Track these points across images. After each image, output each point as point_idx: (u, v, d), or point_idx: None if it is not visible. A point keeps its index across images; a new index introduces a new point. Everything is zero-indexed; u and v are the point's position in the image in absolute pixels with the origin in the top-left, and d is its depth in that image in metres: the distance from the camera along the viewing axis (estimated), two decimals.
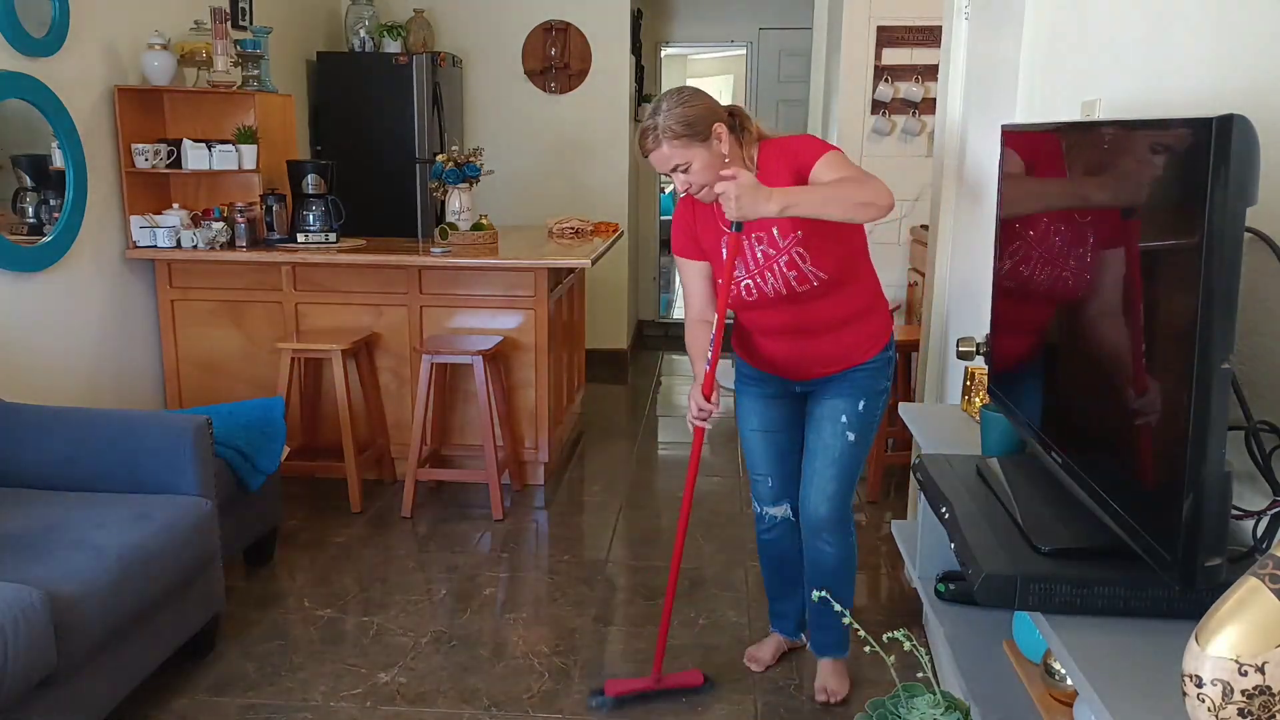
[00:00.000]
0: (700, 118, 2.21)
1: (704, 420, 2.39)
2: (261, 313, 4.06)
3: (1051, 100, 2.19)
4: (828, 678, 2.63)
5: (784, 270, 2.28)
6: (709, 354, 2.37)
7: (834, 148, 2.25)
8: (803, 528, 2.54)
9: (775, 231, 2.27)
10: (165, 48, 3.86)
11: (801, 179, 2.20)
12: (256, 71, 4.22)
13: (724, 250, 2.30)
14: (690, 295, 2.48)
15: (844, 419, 2.42)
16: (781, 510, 2.62)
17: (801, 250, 2.26)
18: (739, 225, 2.17)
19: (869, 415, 2.44)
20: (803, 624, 2.79)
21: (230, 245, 4.02)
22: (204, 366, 4.10)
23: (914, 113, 5.39)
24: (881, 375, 2.46)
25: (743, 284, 2.33)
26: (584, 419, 5.08)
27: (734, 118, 2.31)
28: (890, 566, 3.43)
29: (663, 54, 7.56)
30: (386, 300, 4.01)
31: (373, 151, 5.35)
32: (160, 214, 3.98)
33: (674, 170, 2.24)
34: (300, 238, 4.13)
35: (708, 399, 2.36)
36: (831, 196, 2.07)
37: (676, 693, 2.62)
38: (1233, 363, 1.04)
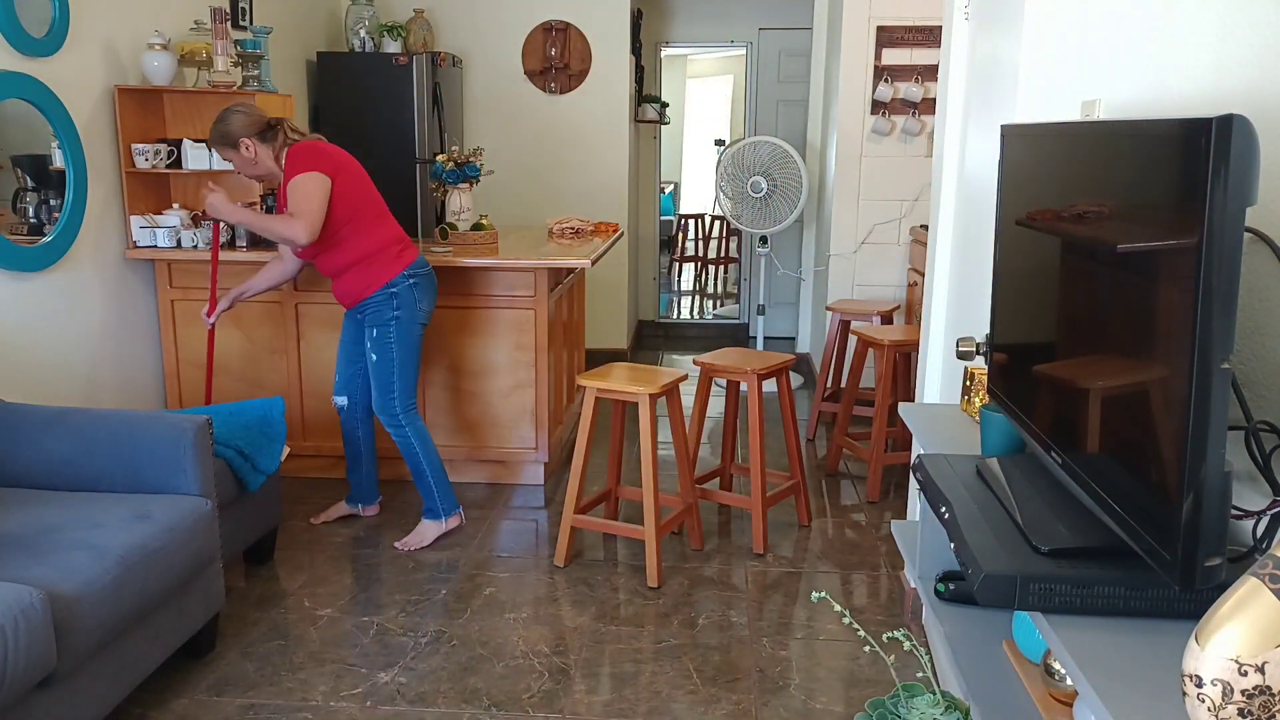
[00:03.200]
0: (231, 134, 3.24)
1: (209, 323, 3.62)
2: (261, 313, 4.06)
3: (1051, 100, 2.19)
4: (411, 533, 3.56)
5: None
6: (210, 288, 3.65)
7: (307, 168, 3.19)
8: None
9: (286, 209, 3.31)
10: (165, 48, 3.86)
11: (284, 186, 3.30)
12: (256, 71, 4.22)
13: (214, 249, 3.66)
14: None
15: (368, 344, 3.43)
16: (342, 400, 3.62)
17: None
18: (214, 221, 3.52)
19: (382, 339, 3.40)
20: (366, 497, 3.78)
21: (230, 245, 4.02)
22: (204, 366, 4.09)
23: (914, 113, 5.40)
24: (386, 308, 3.38)
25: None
26: None
27: (270, 129, 3.29)
28: (890, 566, 3.43)
29: (663, 54, 7.57)
30: None
31: (373, 151, 5.33)
32: (160, 214, 3.98)
33: (226, 161, 3.37)
34: None
35: (209, 315, 3.62)
36: (264, 226, 3.27)
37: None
38: (1233, 363, 1.04)
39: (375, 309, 3.37)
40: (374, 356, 3.39)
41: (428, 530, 3.55)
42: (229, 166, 4.01)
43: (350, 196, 3.29)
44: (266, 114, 3.31)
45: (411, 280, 3.40)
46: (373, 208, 3.38)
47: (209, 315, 3.57)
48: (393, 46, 5.54)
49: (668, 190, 10.09)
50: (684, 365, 6.47)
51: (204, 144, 3.95)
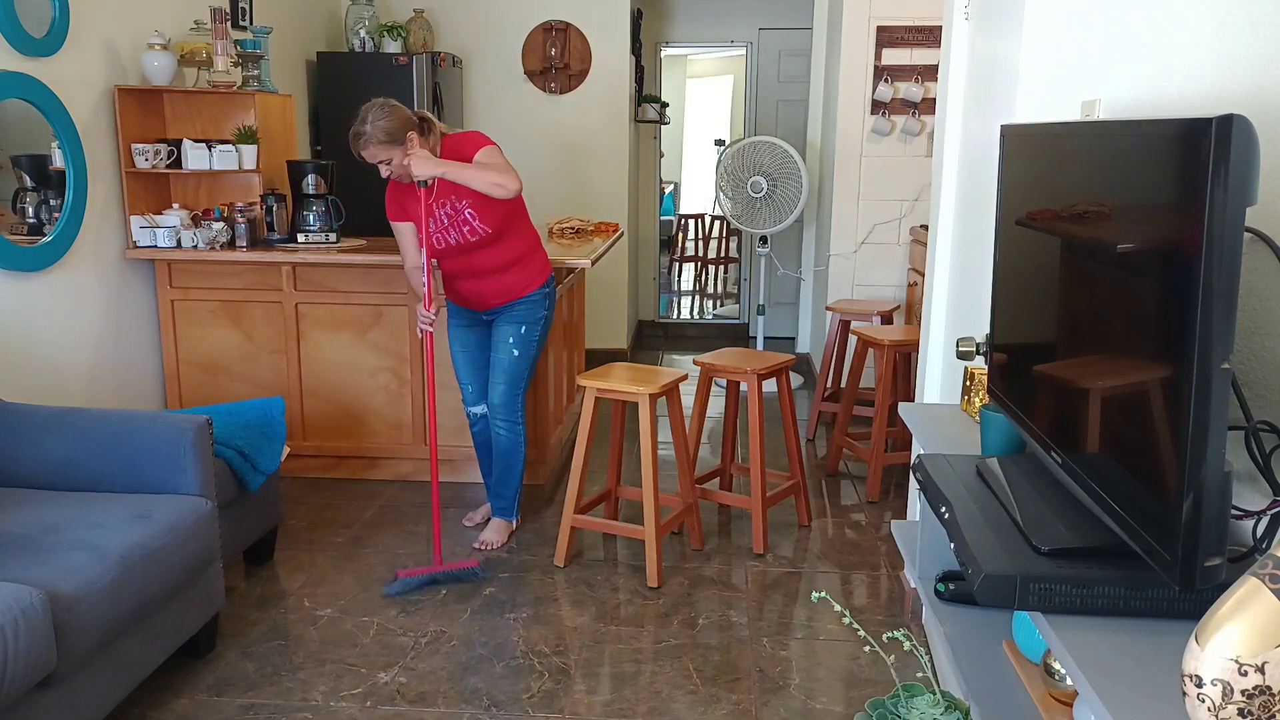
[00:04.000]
0: (398, 129, 3.11)
1: (429, 325, 3.29)
2: (261, 313, 4.06)
3: (1051, 100, 2.19)
4: (491, 533, 3.55)
5: (461, 228, 3.25)
6: (425, 282, 3.27)
7: (492, 143, 3.22)
8: (489, 415, 3.51)
9: (452, 199, 3.22)
10: (165, 48, 3.86)
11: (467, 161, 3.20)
12: (256, 71, 4.22)
13: (424, 214, 3.21)
14: (405, 250, 3.37)
15: (511, 340, 3.40)
16: (481, 409, 3.56)
17: (472, 212, 3.23)
18: (424, 182, 3.11)
19: (529, 335, 3.42)
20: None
21: (230, 245, 4.02)
22: (204, 366, 4.10)
23: (914, 113, 5.40)
24: (540, 306, 3.43)
25: (435, 236, 3.26)
26: None
27: (424, 122, 3.22)
28: (890, 566, 3.43)
29: (663, 54, 7.56)
30: (387, 300, 4.01)
31: None
32: (160, 214, 3.98)
33: (379, 162, 3.16)
34: (300, 238, 4.13)
35: (428, 309, 3.28)
36: (473, 174, 3.11)
37: (458, 574, 3.25)
38: (1233, 363, 1.04)
39: (529, 306, 3.40)
40: (515, 352, 3.40)
41: (504, 529, 3.58)
42: (229, 166, 4.03)
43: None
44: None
45: (552, 287, 3.51)
46: (523, 203, 3.40)
47: (427, 308, 3.28)
48: (393, 46, 5.54)
49: (668, 190, 10.08)
50: (684, 365, 6.47)
51: (204, 144, 3.96)
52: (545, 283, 3.43)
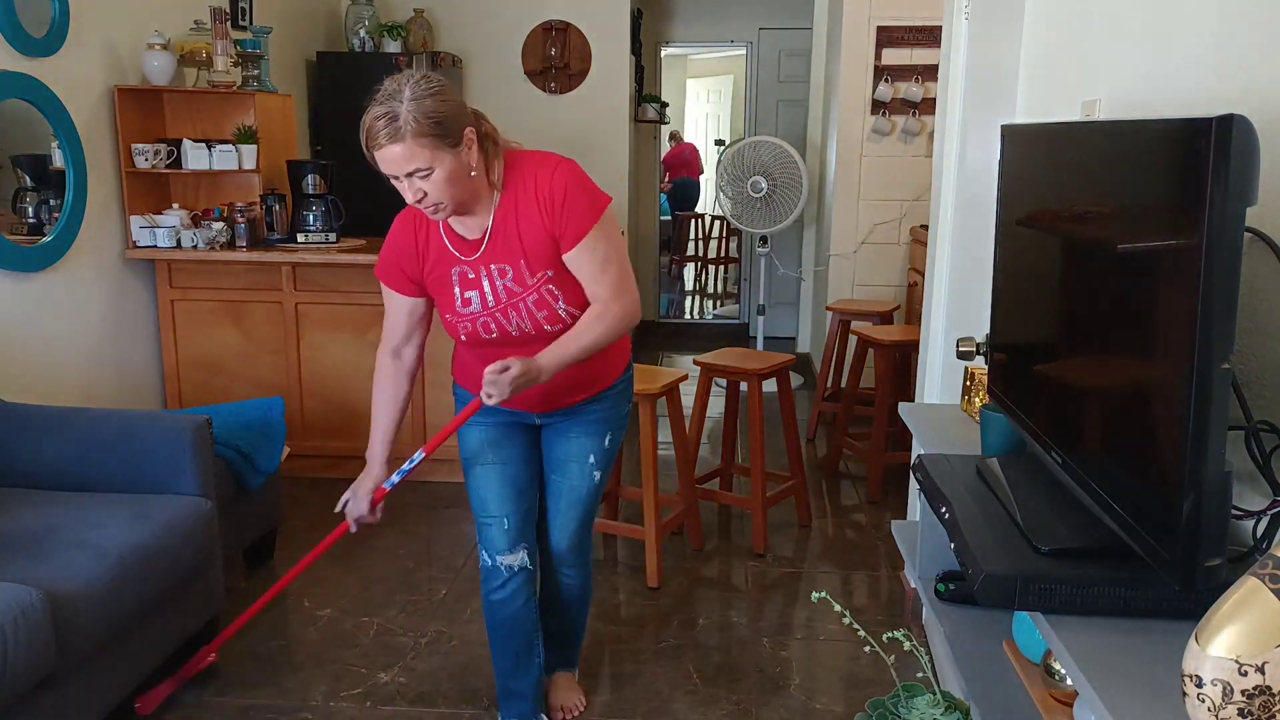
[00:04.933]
0: (454, 118, 1.86)
1: (363, 519, 2.25)
2: (261, 313, 4.06)
3: (1051, 100, 2.19)
4: (563, 693, 2.54)
5: (532, 309, 2.04)
6: (396, 413, 2.24)
7: (600, 212, 2.00)
8: (545, 562, 2.40)
9: (523, 264, 2.01)
10: (165, 48, 3.86)
11: (552, 240, 1.99)
12: (256, 71, 4.22)
13: (455, 282, 2.05)
14: (391, 328, 2.18)
15: (591, 459, 2.25)
16: (518, 558, 2.26)
17: (553, 289, 2.03)
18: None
19: (614, 447, 2.30)
20: (542, 705, 2.47)
21: (230, 245, 4.02)
22: (204, 366, 4.10)
23: (914, 113, 5.40)
24: (624, 398, 2.31)
25: (479, 321, 2.06)
26: None
27: (479, 121, 1.98)
28: (890, 566, 3.43)
29: (663, 54, 7.57)
30: None
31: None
32: (160, 214, 3.98)
33: (410, 175, 1.85)
34: (300, 238, 4.13)
35: (370, 504, 2.24)
36: (588, 345, 2.00)
37: (198, 677, 2.60)
38: (1233, 363, 1.04)
39: (614, 401, 2.27)
40: (597, 475, 2.28)
41: (574, 683, 2.61)
42: (229, 166, 4.02)
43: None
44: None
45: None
46: None
47: (371, 504, 2.32)
48: (393, 46, 5.54)
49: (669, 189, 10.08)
50: (684, 365, 6.47)
51: (204, 144, 3.96)
52: (628, 366, 2.33)
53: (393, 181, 1.90)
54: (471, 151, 1.91)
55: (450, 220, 2.02)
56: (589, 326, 2.00)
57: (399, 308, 2.17)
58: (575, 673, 2.62)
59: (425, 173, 1.85)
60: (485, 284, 2.04)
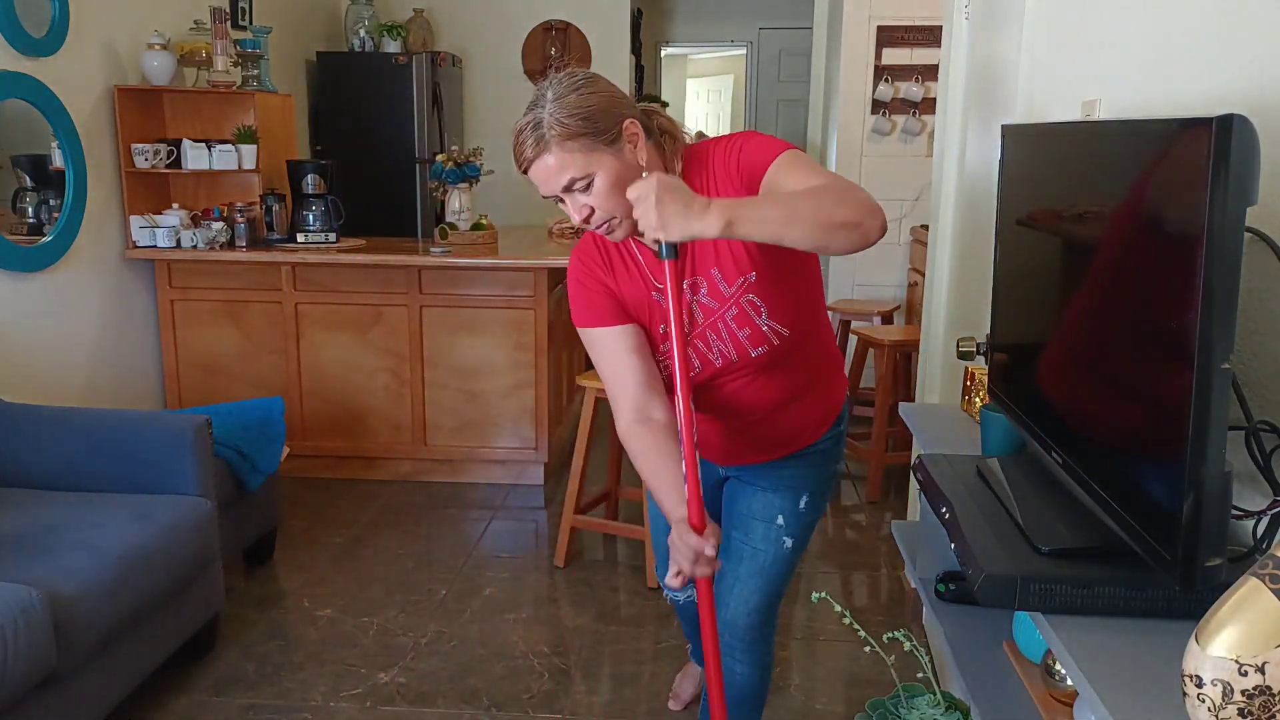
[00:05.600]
0: (606, 110, 1.51)
1: (710, 566, 1.57)
2: (261, 313, 4.06)
3: (1051, 100, 2.19)
4: None
5: (733, 326, 1.66)
6: (683, 467, 1.57)
7: (788, 145, 1.59)
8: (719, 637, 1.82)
9: (717, 274, 1.64)
10: (165, 48, 3.86)
11: (751, 188, 1.55)
12: (256, 71, 4.22)
13: (653, 312, 1.68)
14: (620, 384, 1.65)
15: (780, 520, 1.87)
16: (689, 594, 2.10)
17: (755, 299, 1.64)
18: (672, 250, 1.48)
19: (811, 513, 1.90)
20: None
21: (230, 245, 4.02)
22: (204, 366, 4.10)
23: (914, 113, 5.39)
24: (831, 458, 1.91)
25: (675, 355, 1.60)
26: None
27: (649, 116, 1.64)
28: (890, 566, 3.43)
29: (663, 54, 7.57)
30: (386, 300, 4.01)
31: (373, 151, 5.35)
32: (160, 214, 3.98)
33: (569, 190, 1.51)
34: (300, 238, 4.13)
35: (700, 531, 1.55)
36: (799, 212, 1.39)
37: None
38: (1233, 363, 1.04)
39: (820, 457, 1.90)
40: (787, 542, 1.89)
41: None
42: (229, 166, 4.03)
43: None
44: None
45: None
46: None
47: (700, 529, 1.56)
48: (393, 46, 5.54)
49: None
50: None
51: (204, 144, 3.96)
52: (840, 417, 1.92)
53: (560, 207, 1.56)
54: (638, 149, 1.54)
55: (653, 244, 1.56)
56: (792, 201, 1.43)
57: (622, 349, 1.66)
58: None
59: (584, 181, 1.51)
60: (692, 302, 1.67)
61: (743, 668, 1.96)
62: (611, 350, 1.67)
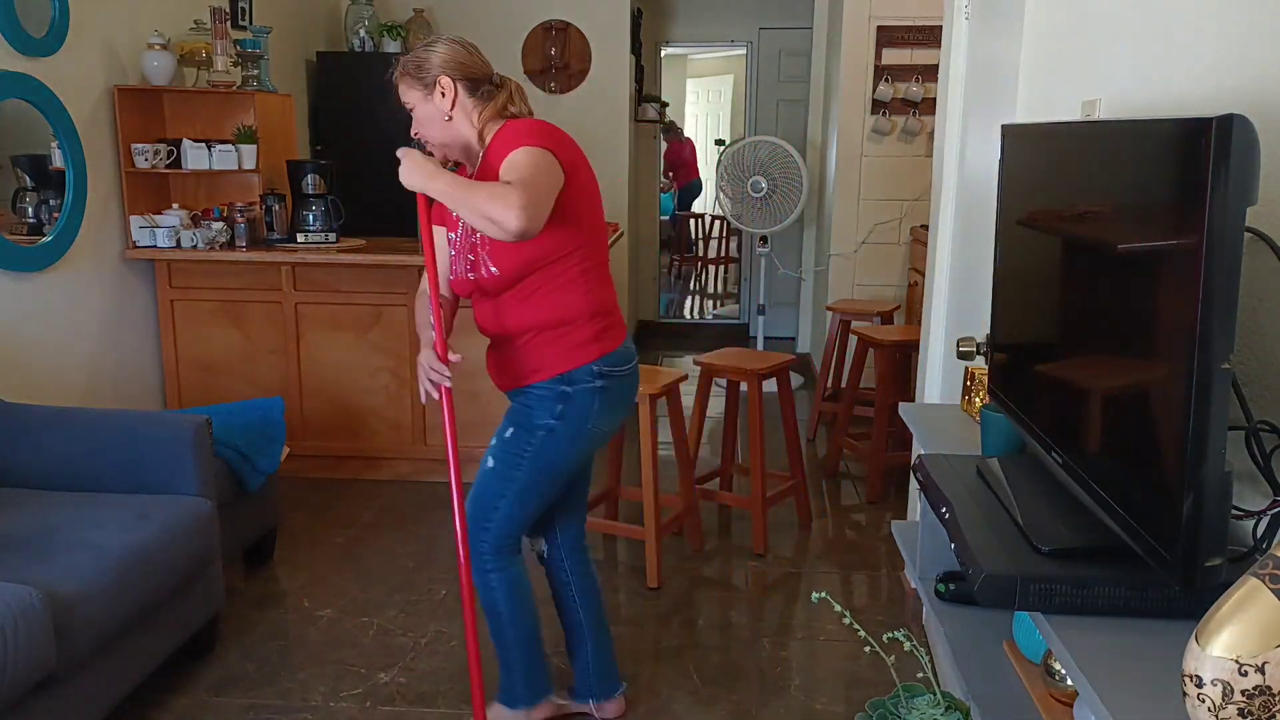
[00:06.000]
0: (431, 65, 2.14)
1: (444, 378, 2.20)
2: (261, 313, 4.06)
3: (1051, 100, 2.19)
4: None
5: (468, 254, 2.21)
6: (434, 314, 2.21)
7: (540, 143, 2.06)
8: None
9: None
10: (165, 48, 3.86)
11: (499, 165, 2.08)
12: (256, 71, 4.22)
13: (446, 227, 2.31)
14: (432, 264, 2.26)
15: (494, 440, 2.27)
16: (540, 546, 2.47)
17: (478, 238, 2.17)
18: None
19: (514, 444, 2.24)
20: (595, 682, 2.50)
21: (230, 245, 4.02)
22: (204, 366, 4.10)
23: (914, 113, 5.40)
24: (544, 406, 2.21)
25: (455, 259, 2.27)
26: None
27: (497, 87, 2.19)
28: (890, 566, 3.43)
29: (663, 54, 7.56)
30: (386, 300, 4.01)
31: (373, 151, 5.33)
32: (160, 214, 3.98)
33: (409, 112, 2.20)
34: (300, 238, 4.13)
35: (441, 355, 2.18)
36: (467, 199, 1.95)
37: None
38: (1233, 363, 1.04)
39: (528, 403, 2.25)
40: (489, 462, 2.28)
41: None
42: (228, 166, 4.03)
43: (580, 216, 2.16)
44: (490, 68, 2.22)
45: (600, 382, 2.21)
46: (599, 247, 2.26)
47: (441, 354, 2.21)
48: (393, 46, 5.54)
49: (668, 190, 10.09)
50: (684, 365, 6.47)
51: (204, 144, 3.96)
52: (565, 374, 2.20)
53: None
54: (445, 99, 2.15)
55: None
56: (470, 190, 1.99)
57: (442, 243, 2.33)
58: (516, 713, 2.44)
59: (409, 109, 2.19)
60: (462, 223, 2.22)
61: (476, 580, 2.31)
62: (439, 245, 2.32)
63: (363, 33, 5.55)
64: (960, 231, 2.91)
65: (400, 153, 2.07)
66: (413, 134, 2.21)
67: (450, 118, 2.17)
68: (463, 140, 2.19)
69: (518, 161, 2.02)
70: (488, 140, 2.17)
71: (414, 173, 2.03)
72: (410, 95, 2.17)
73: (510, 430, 2.26)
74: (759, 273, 6.20)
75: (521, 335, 2.21)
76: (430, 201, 2.12)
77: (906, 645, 1.53)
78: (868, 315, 4.74)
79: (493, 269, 2.15)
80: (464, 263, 2.22)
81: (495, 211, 1.90)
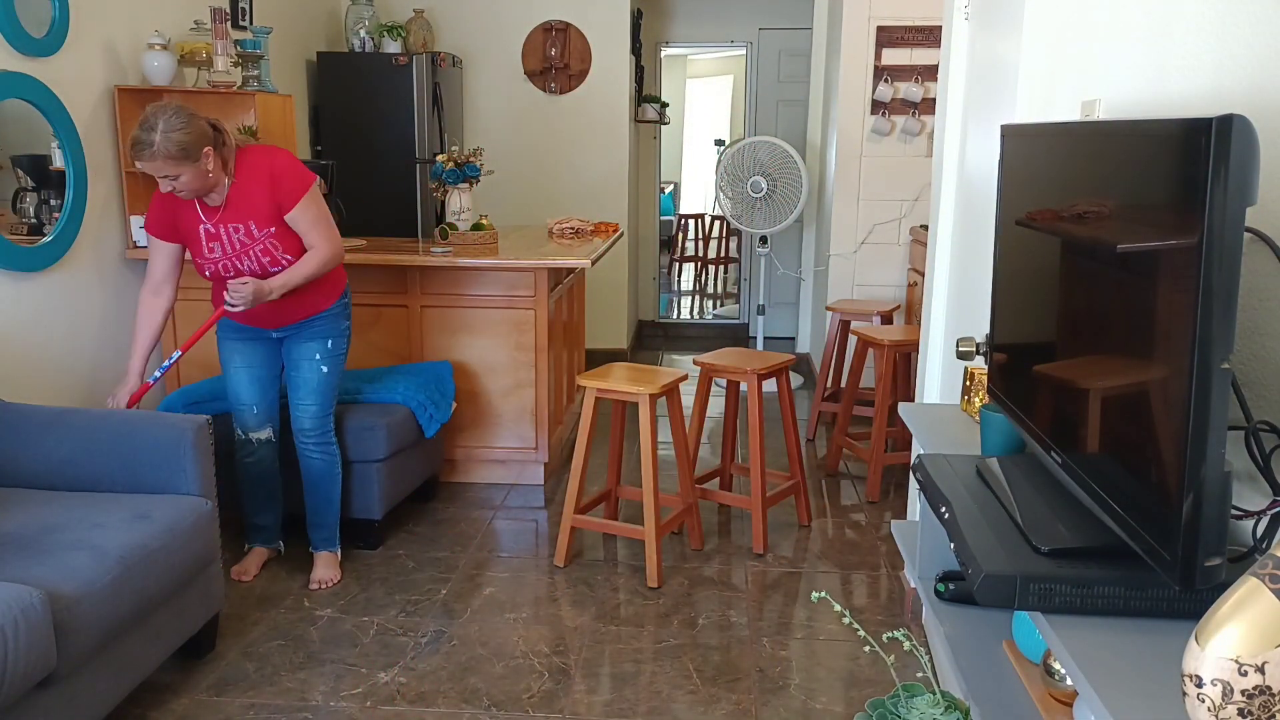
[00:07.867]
0: (195, 145, 2.71)
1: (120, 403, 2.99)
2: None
3: (1051, 100, 2.19)
4: (322, 570, 3.24)
5: (259, 256, 2.94)
6: (153, 336, 3.07)
7: (310, 183, 2.94)
8: (296, 442, 3.19)
9: (252, 225, 2.91)
10: (165, 48, 3.86)
11: (280, 210, 2.91)
12: (256, 71, 4.21)
13: (202, 236, 2.92)
14: (153, 270, 3.02)
15: (317, 356, 3.12)
16: (265, 434, 3.22)
17: (275, 242, 2.94)
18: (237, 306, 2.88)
19: (335, 350, 3.16)
20: (280, 533, 3.37)
21: None
22: (204, 366, 4.09)
23: (914, 113, 5.40)
24: (340, 318, 3.17)
25: (220, 264, 2.95)
26: None
27: (218, 132, 2.82)
28: (890, 566, 3.43)
29: (663, 54, 7.56)
30: (386, 300, 4.01)
31: (373, 151, 5.35)
32: None
33: (164, 177, 2.73)
34: None
35: (133, 403, 3.00)
36: (304, 274, 2.95)
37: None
38: (1233, 363, 1.04)
39: (330, 320, 3.14)
40: (324, 369, 3.13)
41: (333, 561, 3.28)
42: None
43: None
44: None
45: (351, 292, 3.30)
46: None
47: (130, 398, 3.04)
48: (393, 46, 5.54)
49: (667, 190, 10.08)
50: (684, 365, 6.47)
51: None
52: (344, 292, 3.19)
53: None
54: (209, 161, 2.77)
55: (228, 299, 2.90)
56: (307, 261, 2.97)
57: (164, 254, 3.01)
58: (336, 552, 3.30)
59: (174, 177, 2.74)
60: (224, 237, 2.92)
61: (314, 456, 3.20)
62: (160, 253, 3.01)
63: (363, 33, 5.55)
64: (960, 232, 2.91)
65: (232, 289, 2.85)
66: (165, 190, 2.78)
67: (210, 174, 2.80)
68: (214, 184, 2.84)
69: (309, 210, 2.95)
70: (233, 168, 2.89)
71: (253, 296, 2.85)
72: (179, 168, 2.71)
73: (329, 341, 3.14)
74: (759, 273, 6.20)
75: (307, 289, 3.04)
76: (217, 212, 2.89)
77: (906, 645, 1.53)
78: (867, 315, 4.74)
79: (289, 257, 2.97)
80: (250, 262, 2.93)
81: (329, 266, 3.02)
